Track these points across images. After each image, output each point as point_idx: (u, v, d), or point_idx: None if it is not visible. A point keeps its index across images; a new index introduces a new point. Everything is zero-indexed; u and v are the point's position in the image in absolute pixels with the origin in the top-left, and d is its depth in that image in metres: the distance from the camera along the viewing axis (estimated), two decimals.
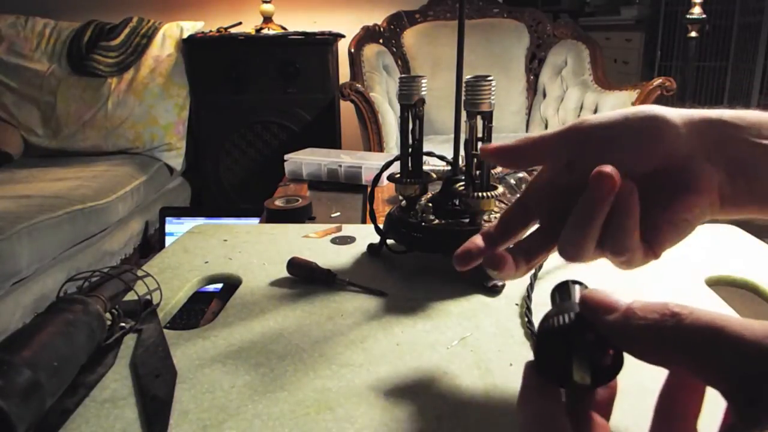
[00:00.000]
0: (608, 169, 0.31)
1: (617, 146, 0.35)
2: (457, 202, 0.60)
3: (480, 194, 0.55)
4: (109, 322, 0.46)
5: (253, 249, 0.68)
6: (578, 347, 0.24)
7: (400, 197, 0.63)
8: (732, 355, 0.20)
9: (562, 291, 0.32)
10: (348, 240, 0.70)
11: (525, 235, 0.40)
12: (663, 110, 0.35)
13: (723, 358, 0.20)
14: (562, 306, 0.27)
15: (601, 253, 0.35)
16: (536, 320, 0.49)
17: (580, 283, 0.31)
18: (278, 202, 0.96)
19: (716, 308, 0.52)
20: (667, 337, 0.21)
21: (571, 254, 0.35)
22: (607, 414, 0.27)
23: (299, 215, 0.92)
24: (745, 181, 0.34)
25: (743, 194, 0.34)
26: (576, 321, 0.25)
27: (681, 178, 0.34)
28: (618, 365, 0.25)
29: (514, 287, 0.56)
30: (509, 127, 2.71)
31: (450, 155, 0.65)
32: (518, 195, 0.40)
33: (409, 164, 0.62)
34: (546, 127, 2.70)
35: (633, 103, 2.25)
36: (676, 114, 0.35)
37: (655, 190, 0.35)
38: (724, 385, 0.20)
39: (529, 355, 0.45)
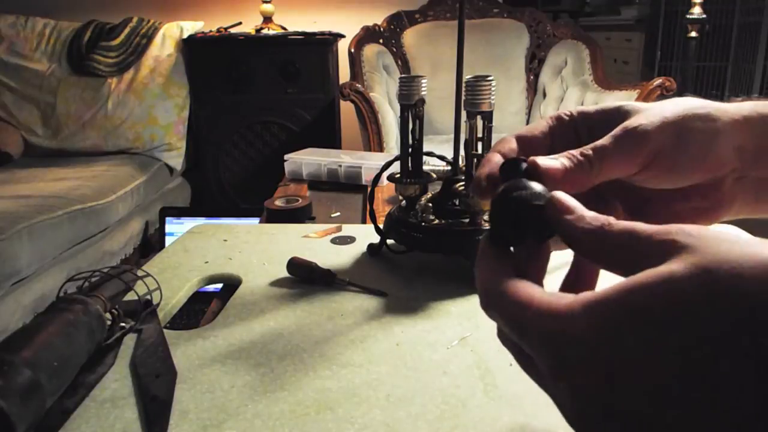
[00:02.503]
0: None
1: (671, 156, 0.31)
2: (457, 202, 0.60)
3: None
4: (109, 322, 0.46)
5: (253, 249, 0.68)
6: (526, 221, 0.28)
7: (400, 197, 0.63)
8: (636, 254, 0.23)
9: (510, 168, 0.31)
10: (348, 240, 0.70)
11: None
12: (716, 110, 0.31)
13: (631, 256, 0.23)
14: (514, 182, 0.29)
15: None
16: None
17: (525, 160, 0.30)
18: (278, 202, 0.96)
19: None
20: (599, 240, 0.24)
21: None
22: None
23: (299, 215, 0.92)
24: None
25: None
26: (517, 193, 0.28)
27: (709, 198, 0.33)
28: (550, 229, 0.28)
29: None
30: (509, 127, 2.71)
31: (450, 155, 0.65)
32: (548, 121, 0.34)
33: (409, 164, 0.62)
34: None
35: None
36: (726, 116, 0.31)
37: (673, 199, 0.33)
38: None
39: None
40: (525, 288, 0.25)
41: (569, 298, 0.22)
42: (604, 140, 0.30)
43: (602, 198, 0.34)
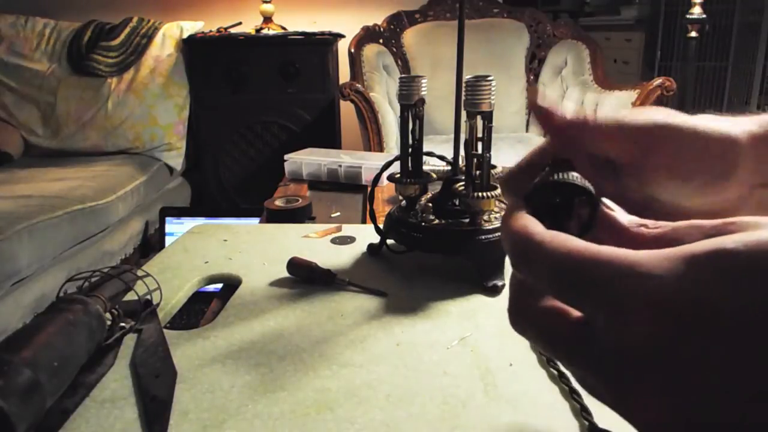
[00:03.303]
0: None
1: (678, 164, 0.28)
2: (457, 202, 0.60)
3: (480, 194, 0.55)
4: (109, 322, 0.46)
5: (253, 249, 0.68)
6: (571, 206, 0.27)
7: (400, 197, 0.63)
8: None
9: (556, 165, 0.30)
10: (348, 240, 0.70)
11: None
12: (738, 132, 0.28)
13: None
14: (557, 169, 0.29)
15: None
16: None
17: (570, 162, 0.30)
18: (278, 202, 0.96)
19: None
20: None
21: None
22: None
23: (299, 215, 0.92)
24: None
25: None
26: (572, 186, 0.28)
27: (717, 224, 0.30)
28: (589, 228, 0.27)
29: None
30: (509, 127, 2.71)
31: (450, 155, 0.65)
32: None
33: (409, 164, 0.62)
34: None
35: (633, 104, 2.25)
36: (745, 135, 0.28)
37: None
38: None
39: (529, 355, 0.45)
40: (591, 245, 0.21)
41: (648, 252, 0.20)
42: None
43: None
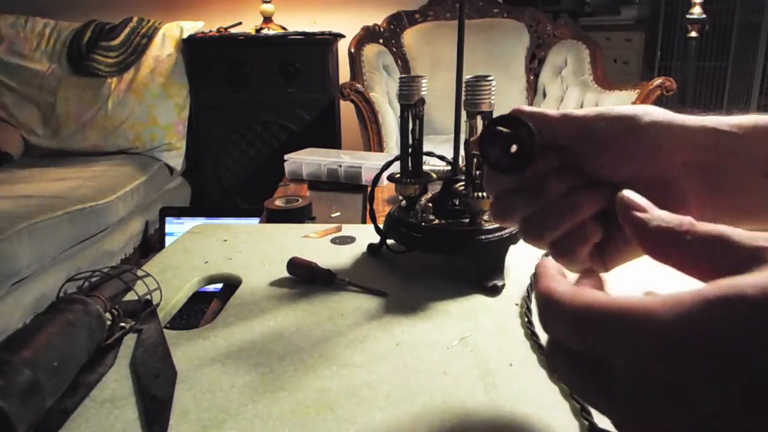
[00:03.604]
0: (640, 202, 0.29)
1: (603, 149, 0.35)
2: (457, 202, 0.60)
3: (480, 194, 0.55)
4: (109, 322, 0.46)
5: (253, 249, 0.68)
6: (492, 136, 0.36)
7: (400, 197, 0.63)
8: (729, 258, 0.23)
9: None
10: (348, 240, 0.70)
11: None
12: (646, 113, 0.34)
13: (721, 259, 0.23)
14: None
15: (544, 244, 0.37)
16: (536, 320, 0.49)
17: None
18: (278, 202, 0.96)
19: None
20: (678, 238, 0.25)
21: (534, 239, 0.37)
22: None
23: (299, 215, 0.92)
24: (723, 198, 0.33)
25: (720, 211, 0.33)
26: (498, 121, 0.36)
27: (650, 194, 0.34)
28: (526, 155, 0.35)
29: (514, 287, 0.56)
30: None
31: (450, 155, 0.65)
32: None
33: (409, 164, 0.62)
34: None
35: (633, 103, 2.25)
36: (660, 117, 0.34)
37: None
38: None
39: (529, 355, 0.45)
40: (612, 298, 0.23)
41: (662, 299, 0.21)
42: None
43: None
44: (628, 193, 0.28)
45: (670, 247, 0.25)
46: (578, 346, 0.24)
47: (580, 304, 0.24)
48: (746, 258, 0.22)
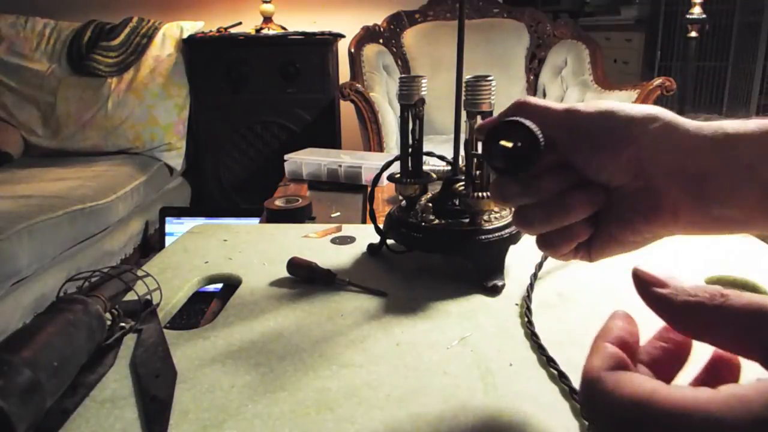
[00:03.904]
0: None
1: (601, 151, 0.34)
2: (457, 202, 0.60)
3: (480, 194, 0.55)
4: (109, 322, 0.46)
5: (253, 249, 0.68)
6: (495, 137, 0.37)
7: (400, 197, 0.63)
8: None
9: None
10: (348, 240, 0.70)
11: None
12: (651, 118, 0.34)
13: (763, 331, 0.22)
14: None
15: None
16: (536, 320, 0.49)
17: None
18: (278, 202, 0.96)
19: None
20: (713, 312, 0.23)
21: (523, 228, 0.38)
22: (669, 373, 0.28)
23: (299, 215, 0.92)
24: (708, 200, 0.32)
25: (705, 215, 0.33)
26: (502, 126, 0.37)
27: (641, 200, 0.34)
28: (529, 156, 0.36)
29: (514, 287, 0.56)
30: None
31: (450, 155, 0.65)
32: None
33: (409, 164, 0.62)
34: None
35: (633, 103, 2.25)
36: (664, 124, 0.33)
37: (614, 202, 0.36)
38: (764, 354, 0.22)
39: (529, 355, 0.45)
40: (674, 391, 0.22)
41: (724, 397, 0.20)
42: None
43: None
44: (642, 269, 0.27)
45: (702, 323, 0.24)
46: None
47: (632, 396, 0.22)
48: None
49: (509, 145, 0.36)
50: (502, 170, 0.37)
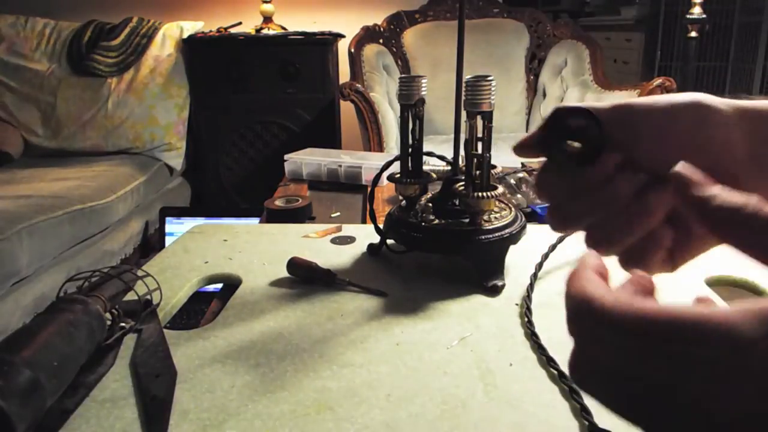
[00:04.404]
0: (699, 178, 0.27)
1: (666, 138, 0.31)
2: (457, 202, 0.60)
3: (480, 194, 0.55)
4: (109, 322, 0.46)
5: (253, 249, 0.68)
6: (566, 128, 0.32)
7: (400, 197, 0.63)
8: None
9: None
10: (348, 240, 0.70)
11: None
12: (710, 99, 0.31)
13: None
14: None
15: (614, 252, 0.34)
16: (536, 320, 0.49)
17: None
18: (278, 202, 0.96)
19: None
20: (750, 219, 0.22)
21: (603, 247, 0.33)
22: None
23: (299, 215, 0.92)
24: None
25: None
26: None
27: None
28: (594, 148, 0.32)
29: (514, 287, 0.56)
30: (509, 127, 2.71)
31: (450, 155, 0.65)
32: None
33: (409, 164, 0.62)
34: None
35: None
36: (724, 105, 0.31)
37: None
38: None
39: (529, 355, 0.45)
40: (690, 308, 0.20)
41: (741, 311, 0.19)
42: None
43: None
44: (684, 168, 0.25)
45: (737, 228, 0.23)
46: (630, 363, 0.21)
47: (631, 313, 0.21)
48: None
49: (580, 123, 0.32)
50: (573, 162, 0.32)
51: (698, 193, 0.24)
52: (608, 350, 0.22)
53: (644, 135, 0.32)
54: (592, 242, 0.33)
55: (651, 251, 0.33)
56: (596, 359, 0.23)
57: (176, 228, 1.77)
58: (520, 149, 0.36)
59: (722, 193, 0.24)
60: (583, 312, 0.23)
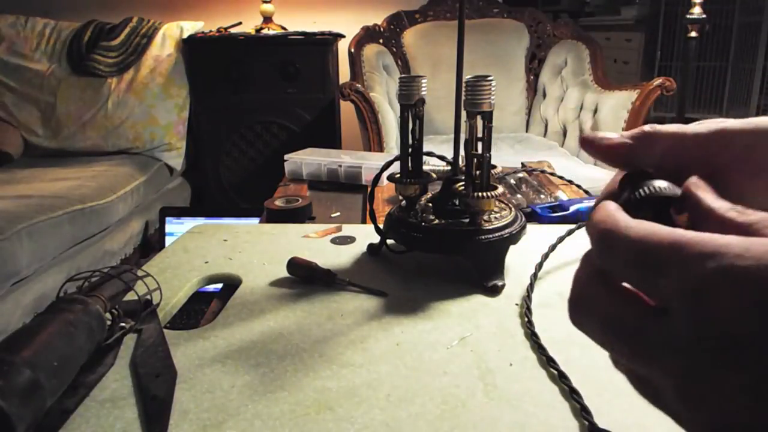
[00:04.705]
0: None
1: (758, 161, 0.29)
2: (457, 202, 0.60)
3: (480, 194, 0.55)
4: (109, 322, 0.46)
5: (253, 249, 0.68)
6: (667, 218, 0.25)
7: (400, 197, 0.63)
8: None
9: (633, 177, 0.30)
10: (348, 240, 0.70)
11: None
12: None
13: None
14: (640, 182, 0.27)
15: None
16: (536, 320, 0.49)
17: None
18: (278, 202, 0.96)
19: None
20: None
21: None
22: None
23: (299, 215, 0.92)
24: None
25: None
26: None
27: None
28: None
29: (514, 287, 0.56)
30: (509, 127, 2.71)
31: (450, 155, 0.65)
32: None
33: (409, 164, 0.62)
34: (546, 128, 2.70)
35: (633, 103, 2.25)
36: None
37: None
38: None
39: (529, 355, 0.45)
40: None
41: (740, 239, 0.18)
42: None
43: None
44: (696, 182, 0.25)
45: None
46: (632, 282, 0.21)
47: (645, 232, 0.21)
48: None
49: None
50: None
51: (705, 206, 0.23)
52: (623, 268, 0.21)
53: (747, 162, 0.29)
54: None
55: None
56: (603, 282, 0.23)
57: (176, 228, 1.77)
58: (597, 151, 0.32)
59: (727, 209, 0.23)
60: (607, 231, 0.22)
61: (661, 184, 0.26)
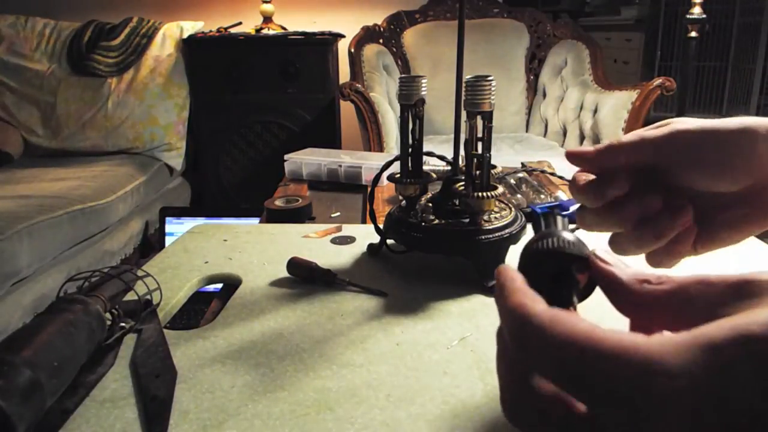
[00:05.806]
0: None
1: (705, 159, 0.34)
2: (457, 202, 0.60)
3: (480, 194, 0.55)
4: (109, 322, 0.46)
5: (253, 249, 0.68)
6: (568, 274, 0.28)
7: (400, 197, 0.63)
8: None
9: (548, 219, 0.32)
10: (348, 240, 0.70)
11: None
12: (756, 124, 0.33)
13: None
14: (549, 231, 0.29)
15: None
16: None
17: (561, 214, 0.33)
18: (278, 202, 0.96)
19: None
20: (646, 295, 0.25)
21: (629, 254, 0.37)
22: None
23: (299, 215, 0.92)
24: None
25: None
26: (566, 248, 0.28)
27: (749, 204, 0.35)
28: (591, 290, 0.29)
29: None
30: (509, 127, 2.71)
31: (450, 155, 0.65)
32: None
33: (409, 164, 0.62)
34: (546, 128, 2.70)
35: (633, 103, 2.25)
36: (748, 130, 0.33)
37: (728, 206, 0.36)
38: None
39: None
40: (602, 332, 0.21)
41: (659, 342, 0.19)
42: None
43: (678, 201, 0.36)
44: (599, 251, 0.29)
45: (641, 301, 0.25)
46: (557, 385, 0.22)
47: (563, 336, 0.21)
48: (725, 299, 0.22)
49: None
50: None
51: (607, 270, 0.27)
52: (545, 371, 0.22)
53: (696, 159, 0.34)
54: (619, 249, 0.37)
55: (672, 256, 0.37)
56: (529, 378, 0.23)
57: (176, 228, 1.77)
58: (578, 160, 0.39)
59: (630, 270, 0.27)
60: (518, 326, 0.23)
61: (569, 237, 0.29)
